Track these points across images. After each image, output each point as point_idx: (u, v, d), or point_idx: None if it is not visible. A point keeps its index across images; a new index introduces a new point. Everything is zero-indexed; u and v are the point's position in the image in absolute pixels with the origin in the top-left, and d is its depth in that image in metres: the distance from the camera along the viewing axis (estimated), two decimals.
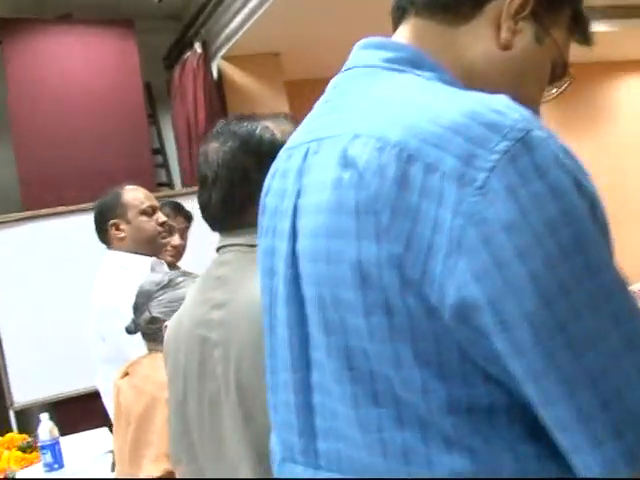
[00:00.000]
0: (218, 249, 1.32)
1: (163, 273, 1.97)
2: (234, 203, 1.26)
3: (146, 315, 1.90)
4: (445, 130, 0.67)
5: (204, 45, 4.69)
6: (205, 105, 4.62)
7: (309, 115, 0.90)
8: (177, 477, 1.46)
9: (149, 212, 2.55)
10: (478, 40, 0.82)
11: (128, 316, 2.17)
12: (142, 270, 2.37)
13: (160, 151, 5.14)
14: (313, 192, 0.79)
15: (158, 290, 1.90)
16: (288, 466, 0.86)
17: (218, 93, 4.76)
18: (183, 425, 1.35)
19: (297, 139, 0.88)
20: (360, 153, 0.72)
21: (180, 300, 1.83)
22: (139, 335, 2.01)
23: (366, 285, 0.70)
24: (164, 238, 2.65)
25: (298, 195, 0.82)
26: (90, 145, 4.34)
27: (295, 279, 0.81)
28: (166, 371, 1.42)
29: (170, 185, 5.08)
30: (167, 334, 1.42)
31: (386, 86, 0.79)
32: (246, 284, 1.20)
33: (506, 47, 0.82)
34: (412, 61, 0.82)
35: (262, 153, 1.23)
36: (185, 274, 1.97)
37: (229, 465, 1.24)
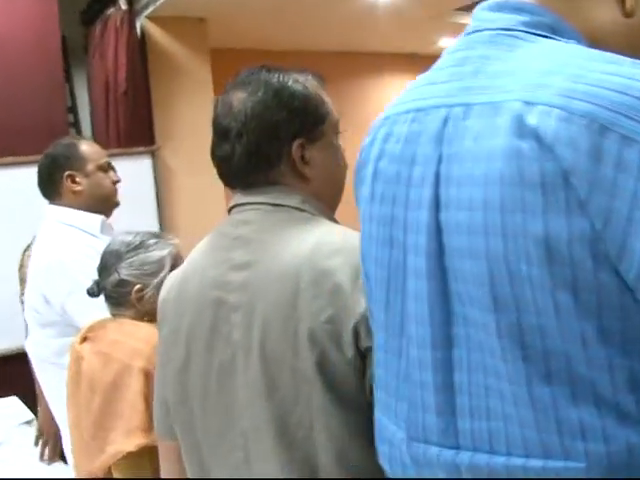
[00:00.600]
0: (233, 207, 1.24)
1: (134, 234, 1.85)
2: (260, 158, 1.19)
3: (114, 277, 1.79)
4: (637, 100, 0.66)
5: (129, 2, 4.50)
6: (127, 65, 4.44)
7: (421, 79, 0.86)
8: (160, 453, 1.37)
9: (105, 168, 2.38)
10: (603, 6, 0.81)
11: (75, 277, 2.06)
12: (91, 229, 2.25)
13: (72, 109, 4.90)
14: (466, 161, 0.75)
15: (129, 251, 1.79)
16: (418, 446, 0.83)
17: (141, 54, 4.59)
18: (181, 395, 1.25)
19: (418, 102, 0.84)
20: (542, 123, 0.69)
21: (152, 263, 1.80)
22: (86, 300, 1.91)
23: (553, 261, 0.68)
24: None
25: (439, 162, 0.78)
26: (3, 96, 4.08)
27: (438, 252, 0.78)
28: (160, 336, 1.32)
29: None
30: (164, 297, 1.32)
31: (538, 52, 0.76)
32: (274, 245, 1.15)
33: (630, 14, 0.81)
34: (552, 27, 0.80)
35: (294, 107, 1.18)
36: (157, 236, 1.87)
37: (238, 436, 1.16)
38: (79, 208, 2.30)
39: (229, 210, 1.26)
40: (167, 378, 1.28)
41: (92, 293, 1.85)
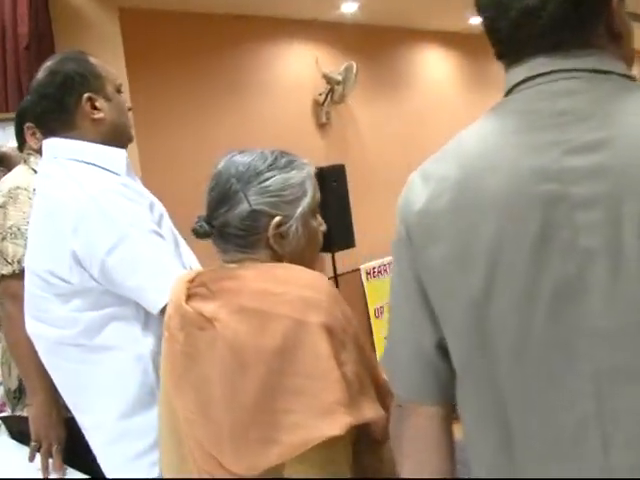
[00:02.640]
0: (528, 79, 0.97)
1: (255, 152, 1.40)
2: (581, 13, 0.94)
3: (242, 208, 1.34)
4: None
5: None
6: (29, 20, 3.90)
7: None
8: (407, 425, 1.06)
9: (121, 90, 1.86)
10: None
11: (120, 225, 1.58)
12: (117, 168, 1.72)
13: None
14: None
15: (260, 173, 1.36)
16: None
17: (45, 7, 4.06)
18: (478, 336, 0.94)
19: None
20: None
21: (294, 187, 1.38)
22: (138, 254, 1.53)
23: None
24: None
25: None
26: None
27: None
28: (426, 261, 0.99)
29: None
30: (421, 209, 0.99)
31: None
32: (628, 117, 0.89)
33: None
34: None
35: None
36: (285, 153, 1.42)
37: (587, 382, 0.86)
38: (94, 141, 1.75)
39: (534, 78, 0.97)
40: (445, 316, 1.00)
41: (201, 232, 1.38)
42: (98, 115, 1.77)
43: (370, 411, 1.22)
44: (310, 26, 6.20)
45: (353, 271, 6.17)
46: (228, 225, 1.37)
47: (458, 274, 0.96)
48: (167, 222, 1.75)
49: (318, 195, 1.43)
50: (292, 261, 1.38)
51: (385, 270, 6.46)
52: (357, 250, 5.50)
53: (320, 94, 6.24)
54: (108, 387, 1.64)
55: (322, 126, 6.28)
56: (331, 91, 6.22)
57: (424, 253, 1.00)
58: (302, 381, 1.19)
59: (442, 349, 1.03)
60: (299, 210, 1.38)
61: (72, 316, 1.65)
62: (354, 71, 6.16)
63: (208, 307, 1.31)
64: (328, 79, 6.15)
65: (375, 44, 6.88)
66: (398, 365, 1.08)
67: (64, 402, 1.83)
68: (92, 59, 1.82)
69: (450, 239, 0.96)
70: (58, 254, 1.62)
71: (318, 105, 6.26)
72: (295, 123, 5.93)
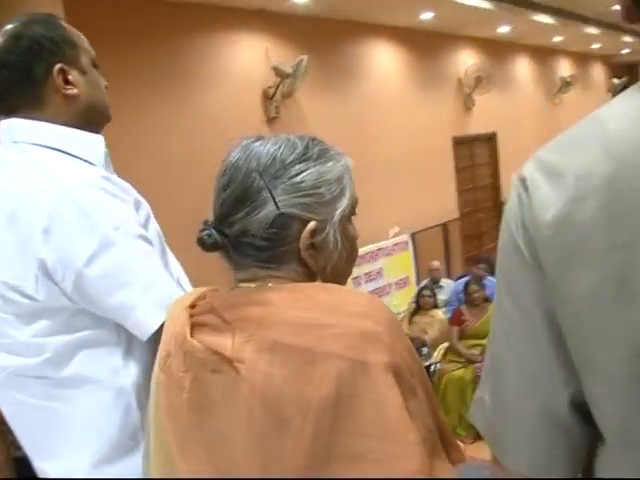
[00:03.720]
0: None
1: (280, 138, 1.09)
2: None
3: (268, 212, 1.03)
4: None
5: None
6: None
7: None
8: None
9: (96, 64, 1.49)
10: None
11: (101, 227, 1.27)
12: (93, 158, 1.40)
13: None
14: None
15: (289, 164, 1.05)
16: None
17: None
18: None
19: None
20: None
21: (331, 184, 1.08)
22: (123, 264, 1.25)
23: None
24: None
25: None
26: None
27: None
28: (574, 284, 0.74)
29: None
30: (560, 216, 0.74)
31: None
32: None
33: None
34: None
35: None
36: (317, 140, 1.12)
37: None
38: (66, 124, 1.40)
39: None
40: (595, 366, 0.76)
41: (210, 243, 1.06)
42: (71, 91, 1.41)
43: (445, 475, 0.97)
44: (260, 16, 5.94)
45: None
46: (247, 233, 1.05)
47: (617, 310, 0.72)
48: (154, 225, 1.44)
49: (355, 194, 1.14)
50: (326, 279, 1.09)
51: None
52: None
53: (270, 87, 5.99)
54: (81, 428, 1.33)
55: (271, 120, 6.03)
56: (281, 84, 5.97)
57: (564, 281, 0.75)
58: (365, 442, 0.89)
59: (577, 408, 0.79)
60: (337, 213, 1.08)
61: (36, 341, 1.32)
62: (305, 64, 5.92)
63: (224, 342, 0.99)
64: (278, 72, 5.90)
65: (326, 37, 6.68)
66: (517, 431, 0.83)
67: (14, 437, 1.52)
68: (65, 24, 1.46)
69: (604, 261, 0.72)
70: (21, 264, 1.29)
71: (267, 98, 6.01)
72: (244, 116, 5.66)
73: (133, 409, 1.33)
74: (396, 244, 7.42)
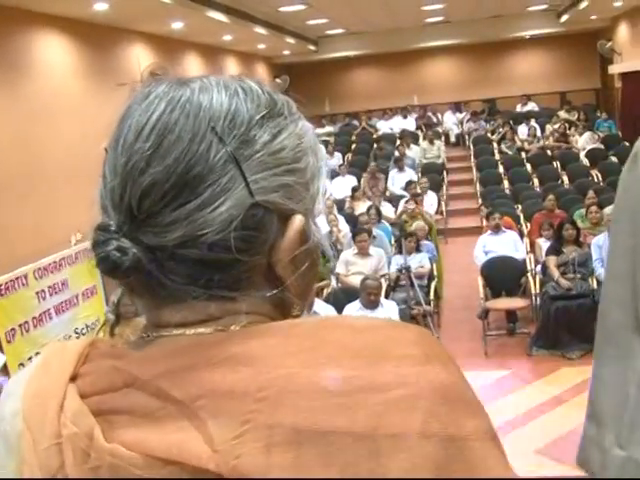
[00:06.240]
0: None
1: (227, 79, 0.66)
2: None
3: (236, 200, 0.61)
4: None
5: None
6: None
7: None
8: None
9: None
10: None
11: None
12: None
13: None
14: None
15: (266, 120, 0.64)
16: None
17: None
18: None
19: None
20: None
21: (304, 153, 0.67)
22: None
23: None
24: None
25: None
26: None
27: None
28: None
29: None
30: None
31: None
32: None
33: None
34: None
35: None
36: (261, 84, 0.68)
37: None
38: None
39: None
40: None
41: (126, 264, 0.60)
42: None
43: None
44: (63, 22, 5.15)
45: None
46: (195, 242, 0.61)
47: None
48: None
49: None
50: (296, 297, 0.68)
51: (14, 287, 5.58)
52: None
53: None
54: None
55: None
56: None
57: None
58: None
59: None
60: (316, 200, 0.69)
61: None
62: None
63: (185, 441, 0.56)
64: None
65: None
66: None
67: None
68: None
69: None
70: None
71: None
72: None
73: None
74: (79, 252, 6.88)
